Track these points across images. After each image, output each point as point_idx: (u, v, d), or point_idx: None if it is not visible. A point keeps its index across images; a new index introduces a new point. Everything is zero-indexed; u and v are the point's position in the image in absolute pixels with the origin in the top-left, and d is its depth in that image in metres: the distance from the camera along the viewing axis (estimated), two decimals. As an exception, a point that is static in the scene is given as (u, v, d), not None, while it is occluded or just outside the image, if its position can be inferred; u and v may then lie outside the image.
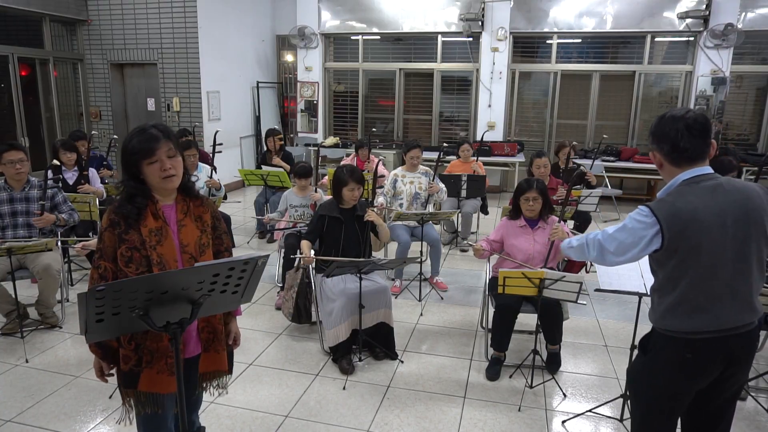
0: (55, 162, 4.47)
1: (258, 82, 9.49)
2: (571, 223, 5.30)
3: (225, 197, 5.86)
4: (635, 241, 1.86)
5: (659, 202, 1.86)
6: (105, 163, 5.96)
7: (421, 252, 4.89)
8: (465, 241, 5.98)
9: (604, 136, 7.66)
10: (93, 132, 6.22)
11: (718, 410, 2.00)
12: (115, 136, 7.19)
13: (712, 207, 1.79)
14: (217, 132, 6.27)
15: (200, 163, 5.20)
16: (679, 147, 1.83)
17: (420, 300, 4.55)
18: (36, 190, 3.89)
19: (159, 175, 1.82)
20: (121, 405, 1.96)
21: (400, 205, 4.96)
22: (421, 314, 4.30)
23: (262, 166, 6.27)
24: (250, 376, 3.34)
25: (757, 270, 1.85)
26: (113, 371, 1.94)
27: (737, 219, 1.79)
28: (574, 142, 6.00)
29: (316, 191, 4.65)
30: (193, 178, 5.03)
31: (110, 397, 3.04)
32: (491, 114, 8.87)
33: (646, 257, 1.97)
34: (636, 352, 2.23)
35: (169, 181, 1.85)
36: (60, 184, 4.29)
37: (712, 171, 1.87)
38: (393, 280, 4.90)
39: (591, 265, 4.71)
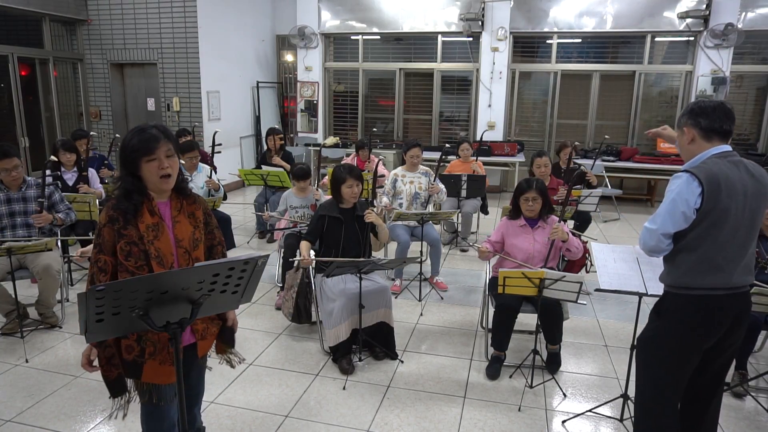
0: (53, 158, 4.47)
1: (258, 82, 9.49)
2: (571, 223, 5.29)
3: (225, 197, 5.86)
4: (684, 204, 2.01)
5: (695, 168, 2.06)
6: (106, 162, 5.96)
7: (421, 252, 4.89)
8: (465, 241, 5.98)
9: (606, 136, 7.66)
10: (92, 133, 6.21)
11: (715, 376, 2.23)
12: (117, 135, 7.20)
13: (738, 177, 2.04)
14: (216, 132, 6.27)
15: (200, 164, 5.20)
16: (716, 123, 2.09)
17: (420, 300, 4.55)
18: (33, 189, 3.89)
19: (157, 173, 1.87)
20: (114, 398, 1.96)
21: (400, 204, 4.96)
22: (421, 314, 4.30)
23: (262, 166, 6.27)
24: (250, 376, 3.34)
25: (757, 238, 2.17)
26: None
27: (753, 192, 2.05)
28: (576, 143, 5.99)
29: (317, 190, 4.66)
30: (193, 178, 5.02)
31: (110, 397, 3.04)
32: (491, 114, 8.87)
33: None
34: (635, 351, 2.30)
35: (165, 181, 1.90)
36: (58, 183, 4.28)
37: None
38: (393, 280, 4.90)
39: (591, 264, 4.71)
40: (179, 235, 1.95)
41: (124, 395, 1.97)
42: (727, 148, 2.11)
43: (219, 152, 6.16)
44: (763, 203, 2.09)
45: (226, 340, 2.21)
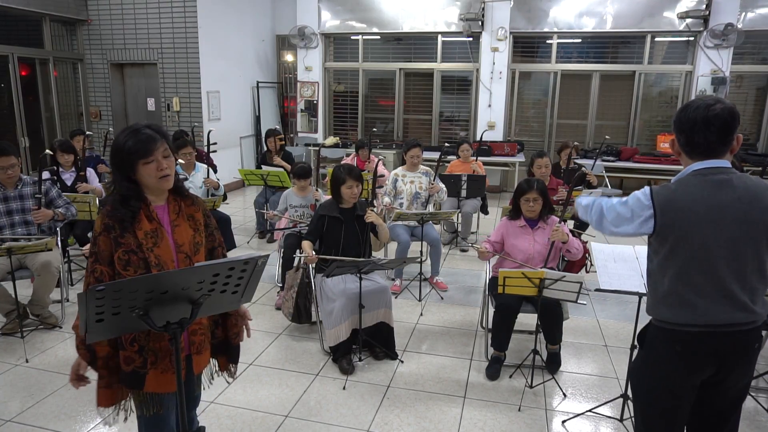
0: (48, 152, 4.47)
1: (258, 82, 9.49)
2: (571, 224, 5.29)
3: (225, 197, 5.84)
4: (631, 217, 1.90)
5: (663, 187, 1.87)
6: (102, 158, 5.99)
7: (421, 252, 4.89)
8: (465, 241, 5.98)
9: (606, 137, 7.65)
10: (89, 133, 6.22)
11: (721, 414, 1.97)
12: (111, 129, 7.19)
13: (711, 202, 1.76)
14: (210, 131, 6.28)
15: (198, 163, 5.19)
16: (693, 140, 1.80)
17: (420, 300, 4.55)
18: (30, 187, 3.89)
19: (155, 175, 1.81)
20: (112, 407, 1.93)
21: (400, 204, 4.96)
22: (421, 314, 4.29)
23: (262, 166, 6.27)
24: (250, 376, 3.34)
25: (753, 271, 1.79)
26: (88, 376, 1.89)
27: (737, 217, 1.75)
28: (576, 143, 5.99)
29: (317, 190, 4.66)
30: (191, 178, 5.02)
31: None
32: (491, 114, 8.87)
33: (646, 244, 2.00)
34: (636, 351, 2.25)
35: (165, 181, 1.85)
36: (55, 178, 4.28)
37: (728, 165, 1.81)
38: (393, 279, 4.89)
39: (591, 264, 4.71)
40: (179, 239, 1.89)
41: (118, 404, 1.92)
42: (715, 163, 1.79)
43: (215, 151, 6.16)
44: (754, 229, 1.76)
45: (232, 358, 2.15)
